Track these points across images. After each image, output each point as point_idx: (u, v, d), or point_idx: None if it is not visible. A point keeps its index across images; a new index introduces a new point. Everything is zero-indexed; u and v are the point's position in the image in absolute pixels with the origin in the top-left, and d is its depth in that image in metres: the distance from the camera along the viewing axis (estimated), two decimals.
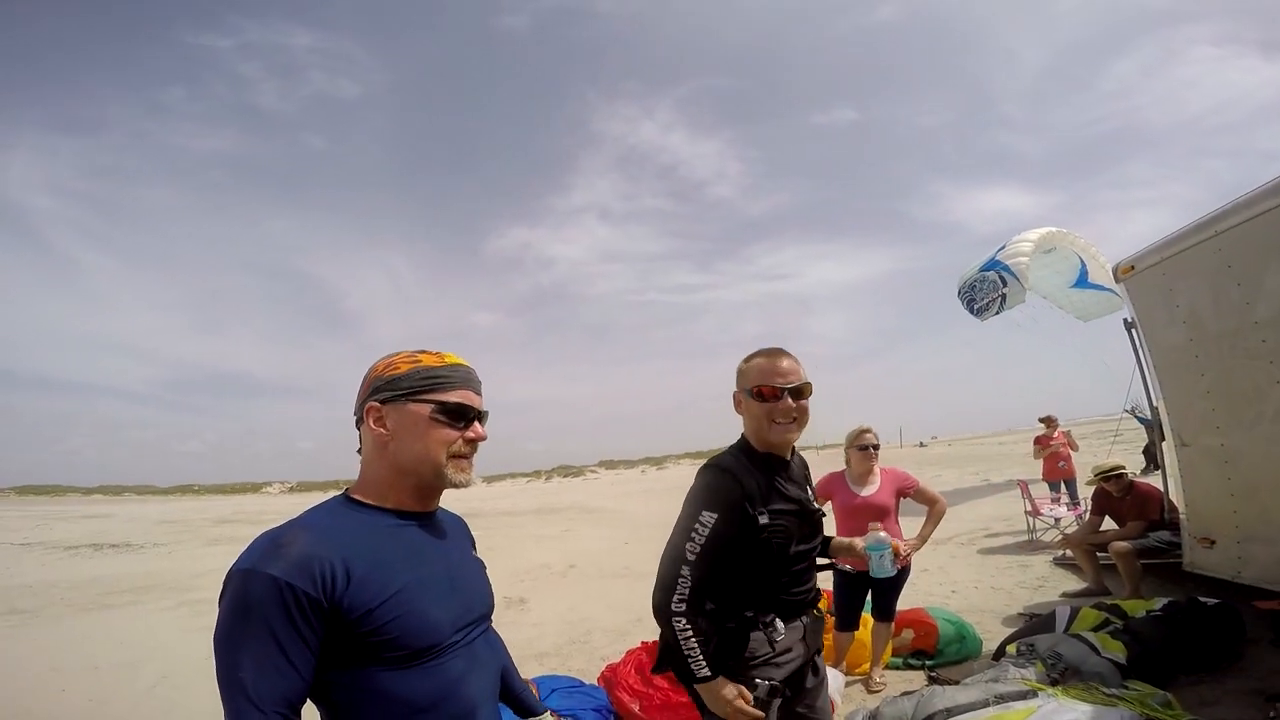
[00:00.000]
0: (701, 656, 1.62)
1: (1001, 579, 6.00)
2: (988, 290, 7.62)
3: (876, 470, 3.82)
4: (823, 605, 1.87)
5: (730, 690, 1.60)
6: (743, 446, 1.82)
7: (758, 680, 1.63)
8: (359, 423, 1.19)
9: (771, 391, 1.75)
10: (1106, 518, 5.38)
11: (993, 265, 7.58)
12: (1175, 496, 4.68)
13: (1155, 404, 4.74)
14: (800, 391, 1.77)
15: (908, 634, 4.15)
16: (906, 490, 3.79)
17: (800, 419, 1.78)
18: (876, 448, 3.82)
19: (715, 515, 1.65)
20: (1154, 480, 5.24)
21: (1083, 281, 7.86)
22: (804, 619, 1.76)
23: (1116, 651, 3.27)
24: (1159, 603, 3.77)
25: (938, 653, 4.07)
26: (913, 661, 4.08)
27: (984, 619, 4.76)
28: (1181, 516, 4.54)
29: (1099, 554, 5.13)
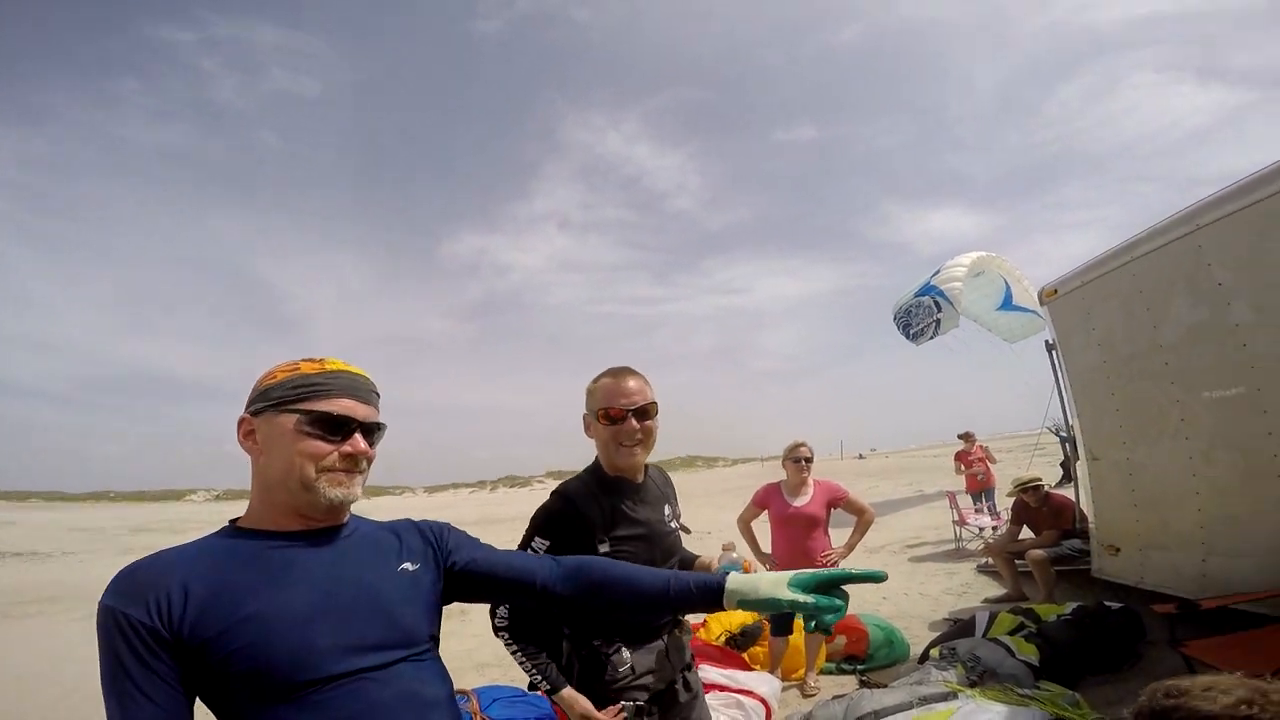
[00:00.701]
0: (536, 670, 1.64)
1: (929, 585, 6.23)
2: (923, 316, 7.82)
3: (810, 482, 3.99)
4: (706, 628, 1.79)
5: (581, 701, 1.62)
6: (594, 469, 1.79)
7: (624, 702, 1.64)
8: None
9: (617, 413, 1.69)
10: (1025, 527, 5.65)
11: (927, 291, 7.77)
12: (1086, 507, 4.98)
13: (1071, 420, 5.03)
14: (645, 412, 1.71)
15: (840, 640, 4.28)
16: (837, 501, 3.97)
17: (646, 441, 1.73)
18: (809, 460, 3.99)
19: (548, 543, 1.64)
20: (1068, 492, 5.55)
21: (1008, 304, 8.19)
22: (663, 639, 1.74)
23: (1030, 654, 3.46)
24: (1069, 607, 4.02)
25: (868, 657, 4.22)
26: (845, 666, 4.22)
27: (912, 624, 4.95)
28: (1091, 526, 4.84)
29: (1017, 561, 5.39)
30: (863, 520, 3.91)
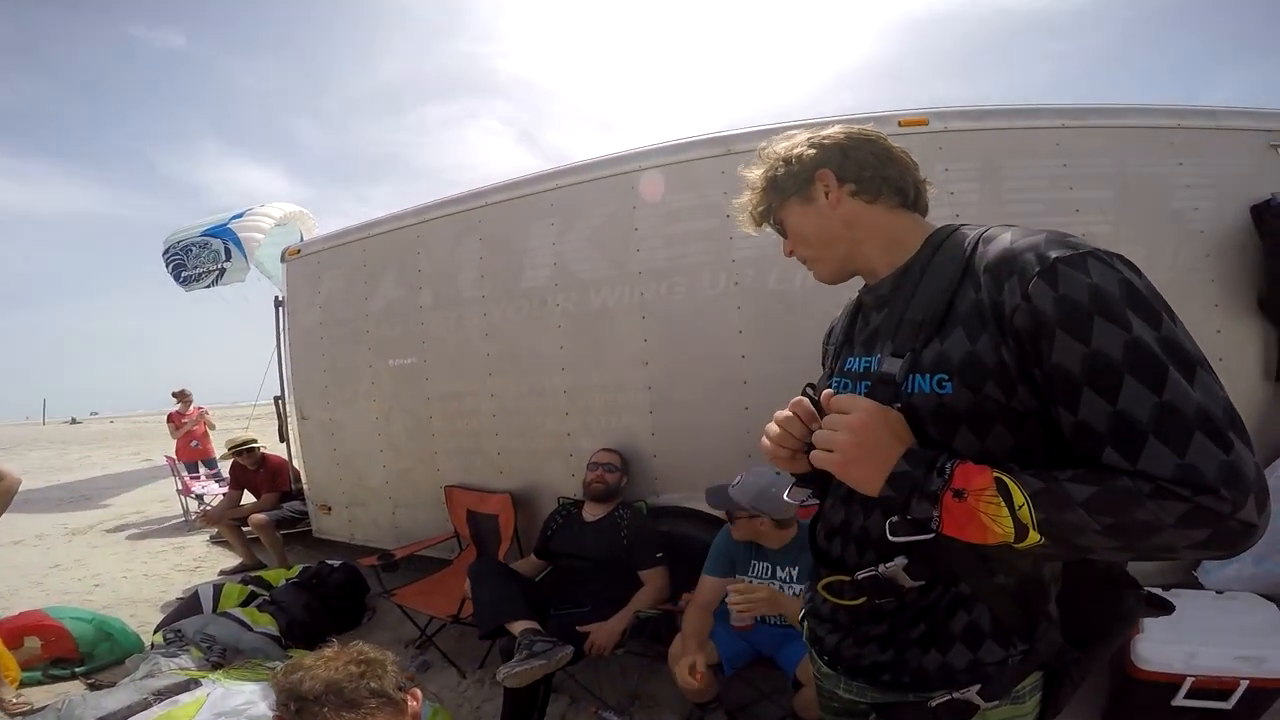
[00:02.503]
0: None
1: (156, 564, 5.45)
2: (206, 260, 6.79)
3: None
4: None
5: None
6: None
7: None
8: None
9: None
10: (246, 491, 5.42)
11: (221, 233, 6.75)
12: (300, 467, 5.07)
13: (287, 379, 5.04)
14: None
15: (33, 643, 3.37)
16: None
17: None
18: None
19: None
20: (284, 453, 5.56)
21: None
22: None
23: (268, 624, 3.35)
24: (298, 570, 4.07)
25: (87, 657, 3.42)
26: (57, 672, 3.34)
27: (140, 610, 4.28)
28: (304, 486, 4.94)
29: (245, 528, 5.11)
30: None
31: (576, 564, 2.98)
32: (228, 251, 6.89)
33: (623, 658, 2.85)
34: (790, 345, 2.91)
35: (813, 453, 0.88)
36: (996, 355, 0.80)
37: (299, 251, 4.89)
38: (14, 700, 2.95)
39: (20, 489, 3.07)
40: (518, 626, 2.50)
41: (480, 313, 3.78)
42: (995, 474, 0.74)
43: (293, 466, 5.34)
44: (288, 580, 3.89)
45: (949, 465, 0.77)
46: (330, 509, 4.76)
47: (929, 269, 0.92)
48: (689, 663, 2.12)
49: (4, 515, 2.96)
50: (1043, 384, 0.77)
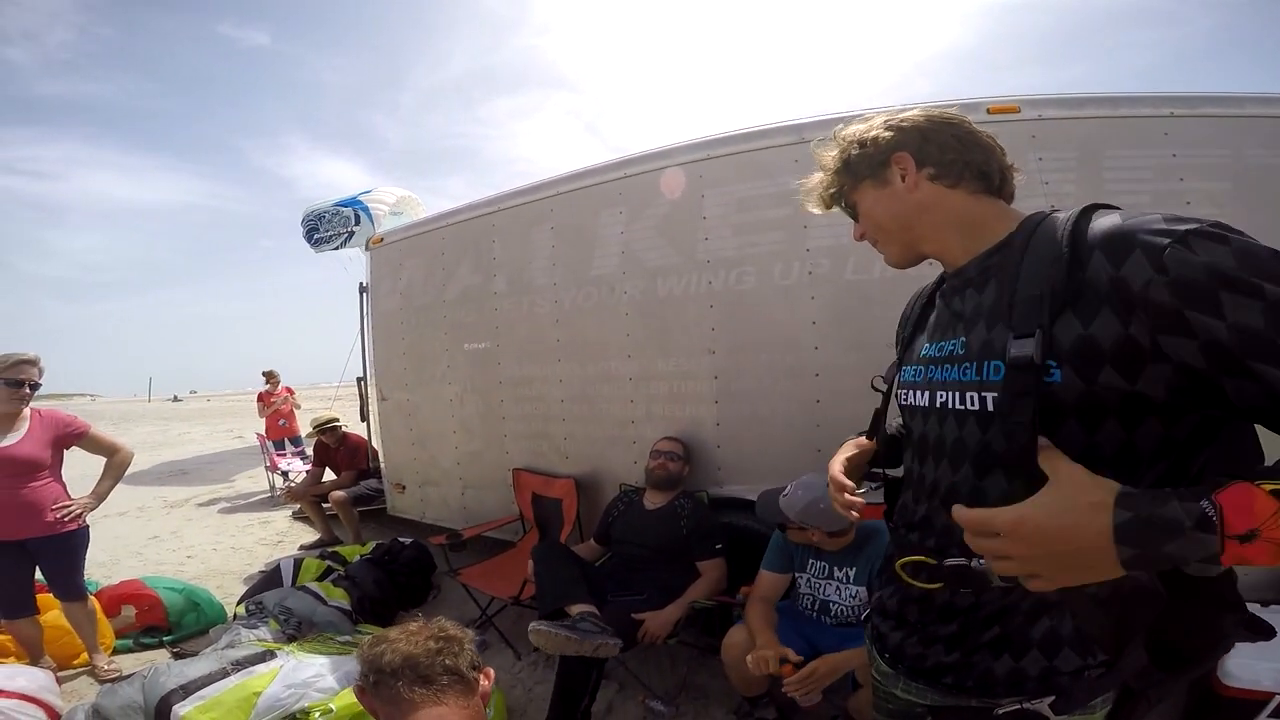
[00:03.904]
0: None
1: (242, 538, 5.77)
2: (338, 225, 7.29)
3: (27, 414, 3.03)
4: None
5: None
6: None
7: None
8: None
9: None
10: (327, 469, 5.69)
11: (352, 203, 7.31)
12: (378, 446, 5.28)
13: (368, 362, 5.30)
14: None
15: (128, 610, 3.60)
16: (70, 439, 3.13)
17: None
18: (35, 386, 3.00)
19: None
20: (364, 432, 5.79)
21: None
22: None
23: (341, 599, 3.48)
24: (371, 546, 4.22)
25: (175, 626, 3.65)
26: (147, 640, 3.56)
27: (226, 581, 4.53)
28: (381, 464, 5.14)
29: (324, 504, 5.36)
30: (114, 461, 3.21)
31: (635, 551, 2.99)
32: (357, 217, 7.46)
33: (674, 647, 2.83)
34: (866, 337, 2.84)
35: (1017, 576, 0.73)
36: (1121, 333, 0.72)
37: (381, 240, 5.11)
38: (105, 667, 3.19)
39: None
40: (576, 609, 2.52)
41: (551, 300, 3.84)
42: (1266, 488, 0.60)
43: (371, 446, 5.58)
44: (362, 556, 4.04)
45: (1211, 509, 0.60)
46: (404, 488, 4.95)
47: (1029, 249, 0.85)
48: (772, 656, 2.00)
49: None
50: (1207, 355, 0.67)
